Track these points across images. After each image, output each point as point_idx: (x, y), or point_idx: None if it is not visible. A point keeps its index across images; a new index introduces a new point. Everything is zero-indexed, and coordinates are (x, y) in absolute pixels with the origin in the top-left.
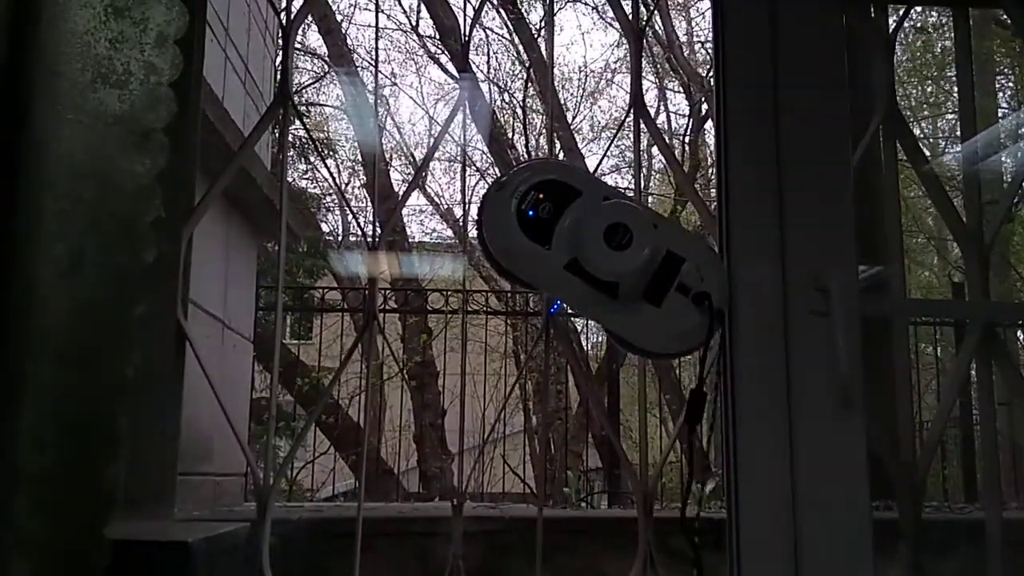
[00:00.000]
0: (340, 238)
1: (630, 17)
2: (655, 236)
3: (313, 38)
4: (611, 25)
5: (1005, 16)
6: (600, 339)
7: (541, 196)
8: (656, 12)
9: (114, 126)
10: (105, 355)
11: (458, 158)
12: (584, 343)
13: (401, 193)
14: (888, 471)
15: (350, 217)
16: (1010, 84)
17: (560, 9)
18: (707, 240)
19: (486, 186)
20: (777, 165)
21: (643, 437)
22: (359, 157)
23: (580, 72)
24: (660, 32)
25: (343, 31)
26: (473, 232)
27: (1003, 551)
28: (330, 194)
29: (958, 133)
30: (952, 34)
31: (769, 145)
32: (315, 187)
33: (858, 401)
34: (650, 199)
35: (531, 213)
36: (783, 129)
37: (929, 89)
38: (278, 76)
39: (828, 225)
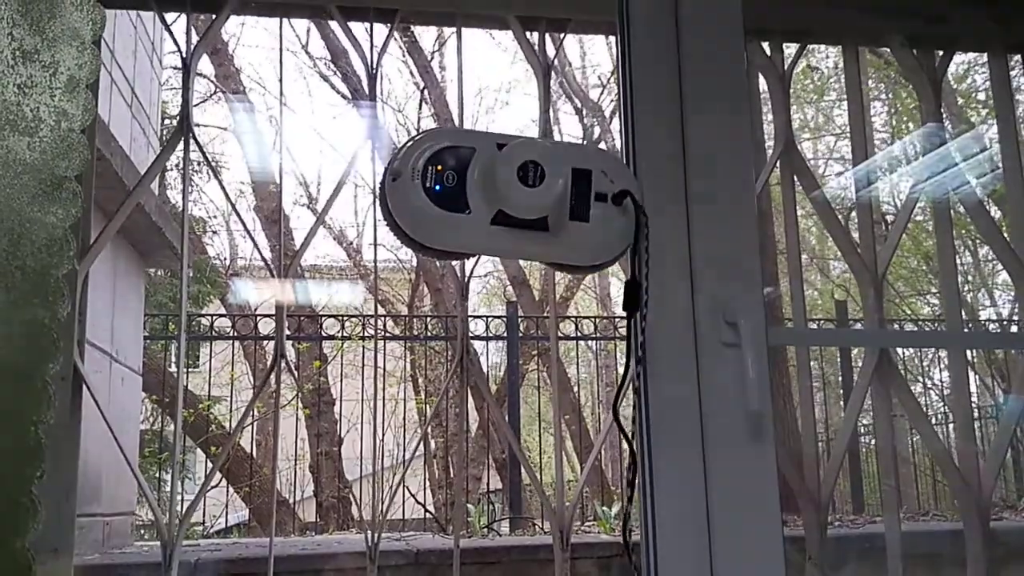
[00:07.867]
0: (228, 263)
1: (536, 50)
2: (560, 160)
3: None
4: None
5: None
6: (499, 360)
7: (440, 168)
8: (550, 39)
9: (24, 175)
10: (16, 418)
11: (349, 179)
12: (484, 364)
13: (292, 214)
14: (792, 488)
15: (238, 241)
16: (883, 111)
17: (452, 34)
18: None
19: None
20: (685, 199)
21: (559, 468)
22: (248, 179)
23: (476, 96)
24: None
25: (230, 51)
26: (368, 255)
27: (903, 563)
28: (215, 217)
29: (833, 160)
30: (832, 68)
31: (677, 177)
32: (200, 210)
33: (769, 429)
34: None
35: (438, 188)
36: (690, 162)
37: (801, 117)
38: (167, 99)
39: (735, 257)
